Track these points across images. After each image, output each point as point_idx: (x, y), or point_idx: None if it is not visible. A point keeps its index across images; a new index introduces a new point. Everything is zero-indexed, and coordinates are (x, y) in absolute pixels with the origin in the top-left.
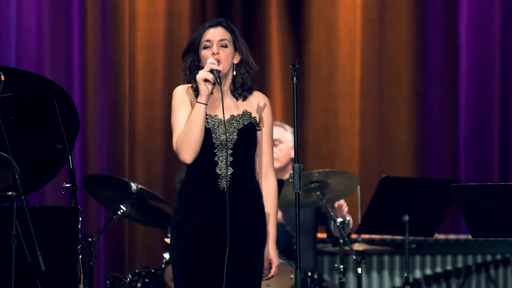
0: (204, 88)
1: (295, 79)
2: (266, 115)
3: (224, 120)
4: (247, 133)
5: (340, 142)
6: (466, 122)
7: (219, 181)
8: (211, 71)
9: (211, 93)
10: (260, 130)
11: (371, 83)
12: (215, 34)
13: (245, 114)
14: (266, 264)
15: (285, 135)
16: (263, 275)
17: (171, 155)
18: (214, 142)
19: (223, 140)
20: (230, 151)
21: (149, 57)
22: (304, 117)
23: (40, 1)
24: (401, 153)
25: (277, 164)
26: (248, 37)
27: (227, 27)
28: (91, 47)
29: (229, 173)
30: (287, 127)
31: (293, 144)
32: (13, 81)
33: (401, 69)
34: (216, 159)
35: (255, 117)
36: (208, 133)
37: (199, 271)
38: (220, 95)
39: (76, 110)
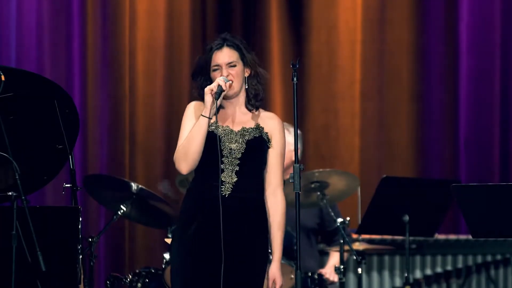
0: (209, 100)
1: (295, 79)
2: (278, 135)
3: (218, 135)
4: (256, 145)
5: (340, 142)
6: (466, 122)
7: (222, 188)
8: (218, 87)
9: (220, 108)
10: (271, 148)
11: (371, 83)
12: (222, 58)
13: (257, 127)
14: (270, 284)
15: (287, 138)
16: None
17: (171, 155)
18: (223, 150)
19: (230, 149)
20: (237, 161)
21: (149, 58)
22: (304, 117)
23: (40, 1)
24: (401, 153)
25: None
26: (248, 37)
27: (232, 46)
28: (91, 47)
29: (233, 180)
30: (291, 129)
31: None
32: (13, 81)
33: (401, 69)
34: (222, 166)
35: (267, 132)
36: (217, 140)
37: (197, 279)
38: (215, 112)
39: (76, 110)
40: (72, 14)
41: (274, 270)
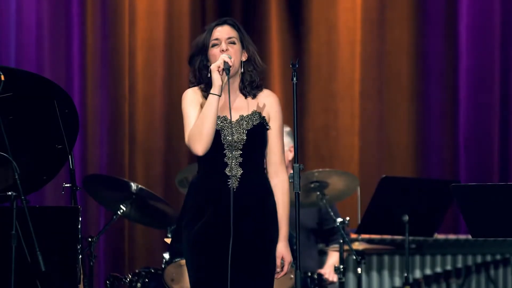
0: (217, 77)
1: (295, 79)
2: (275, 113)
3: (230, 119)
4: (257, 133)
5: (340, 142)
6: (466, 122)
7: (229, 181)
8: (224, 63)
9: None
10: (270, 129)
11: (371, 83)
12: (223, 32)
13: (255, 114)
14: (278, 262)
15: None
16: (276, 272)
17: (171, 155)
18: (224, 143)
19: (231, 141)
20: (239, 152)
21: (149, 58)
22: (304, 117)
23: (40, 1)
24: (401, 153)
25: None
26: None
27: (233, 25)
28: (91, 47)
29: (238, 174)
30: (285, 129)
31: (289, 146)
32: (13, 81)
33: (401, 69)
34: (225, 160)
35: (264, 116)
36: (217, 134)
37: (210, 270)
38: (228, 95)
39: (76, 110)
40: (72, 14)
41: (282, 248)
